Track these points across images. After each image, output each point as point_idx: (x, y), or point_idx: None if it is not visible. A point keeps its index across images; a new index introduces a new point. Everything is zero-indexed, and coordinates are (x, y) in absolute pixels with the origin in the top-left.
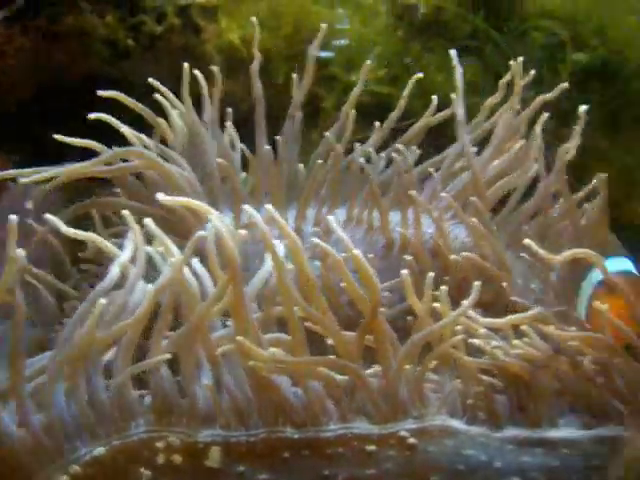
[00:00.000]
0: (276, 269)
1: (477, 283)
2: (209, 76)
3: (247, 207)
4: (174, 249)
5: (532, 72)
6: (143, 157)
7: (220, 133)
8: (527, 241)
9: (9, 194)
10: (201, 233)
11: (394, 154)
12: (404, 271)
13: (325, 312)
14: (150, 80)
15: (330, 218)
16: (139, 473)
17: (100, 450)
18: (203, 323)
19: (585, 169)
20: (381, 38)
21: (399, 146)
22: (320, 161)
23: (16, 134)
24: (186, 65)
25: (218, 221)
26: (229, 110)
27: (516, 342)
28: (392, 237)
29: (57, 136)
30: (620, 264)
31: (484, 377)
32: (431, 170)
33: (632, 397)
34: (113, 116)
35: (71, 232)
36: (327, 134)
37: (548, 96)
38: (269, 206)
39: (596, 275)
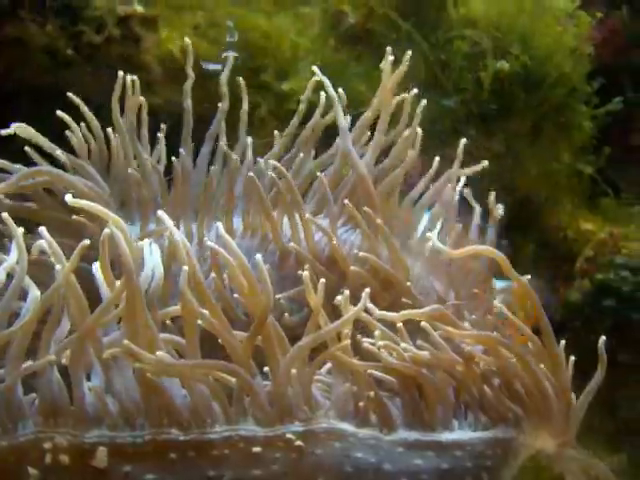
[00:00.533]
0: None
1: (367, 290)
2: (151, 86)
3: (160, 213)
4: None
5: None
6: (50, 175)
7: (139, 144)
8: (429, 234)
9: None
10: (86, 242)
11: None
12: (305, 272)
13: (217, 315)
14: (69, 94)
15: (219, 225)
16: (27, 473)
17: None
18: (94, 326)
19: (506, 177)
20: (314, 47)
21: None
22: (214, 167)
23: None
24: (121, 73)
25: (115, 226)
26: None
27: (405, 345)
28: (286, 247)
29: None
30: None
31: (379, 378)
32: (319, 174)
33: (527, 398)
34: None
35: None
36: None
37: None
38: (161, 212)
39: None
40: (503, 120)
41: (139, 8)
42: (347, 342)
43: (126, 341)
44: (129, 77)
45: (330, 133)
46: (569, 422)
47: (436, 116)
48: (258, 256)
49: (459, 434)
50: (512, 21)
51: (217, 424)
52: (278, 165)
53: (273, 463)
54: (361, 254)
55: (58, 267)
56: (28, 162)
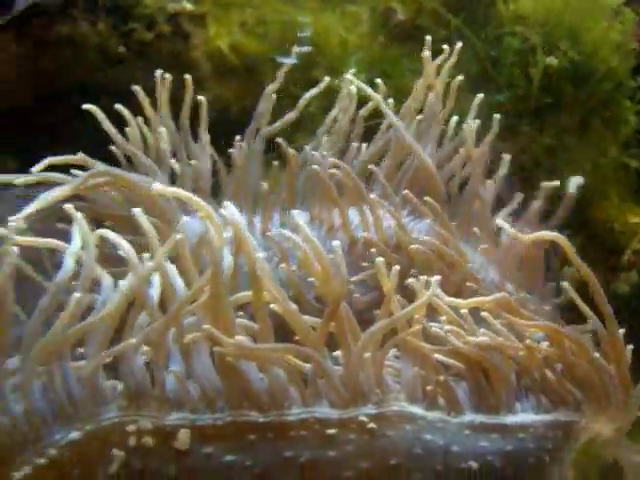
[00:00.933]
0: (249, 260)
1: (437, 277)
2: (200, 82)
3: (228, 203)
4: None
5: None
6: (112, 175)
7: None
8: (500, 221)
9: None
10: (177, 236)
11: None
12: (378, 258)
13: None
14: (134, 87)
15: (295, 212)
16: (112, 455)
17: (75, 434)
18: (178, 313)
19: (557, 171)
20: (363, 44)
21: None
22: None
23: (10, 141)
24: (168, 76)
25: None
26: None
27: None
28: (354, 236)
29: (36, 168)
30: None
31: (446, 362)
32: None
33: (588, 383)
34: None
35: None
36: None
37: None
38: (228, 203)
39: None
40: (553, 115)
41: (188, 5)
42: (418, 327)
43: (207, 326)
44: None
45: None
46: (628, 408)
47: (488, 111)
48: (336, 242)
49: (522, 417)
50: (560, 17)
51: (294, 406)
52: (339, 162)
53: (347, 444)
54: (426, 238)
55: (147, 255)
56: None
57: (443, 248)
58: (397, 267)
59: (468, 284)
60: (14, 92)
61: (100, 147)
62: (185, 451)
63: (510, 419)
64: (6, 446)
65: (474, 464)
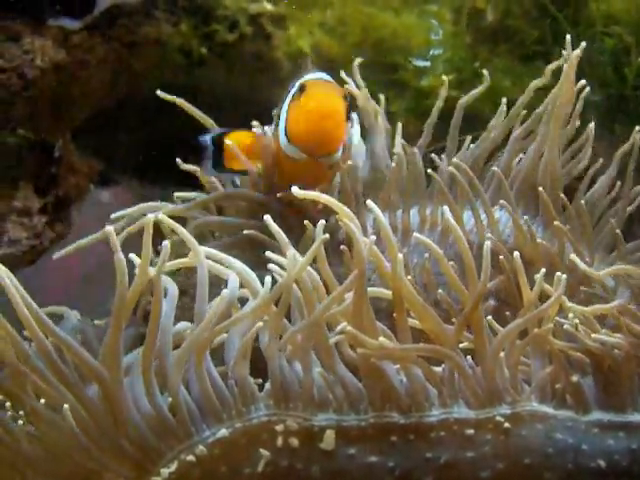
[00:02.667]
0: (393, 262)
1: (564, 276)
2: (281, 83)
3: (370, 203)
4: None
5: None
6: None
7: None
8: (573, 256)
9: None
10: (326, 236)
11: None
12: (516, 253)
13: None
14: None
15: (445, 209)
16: (259, 454)
17: (223, 432)
18: (322, 318)
19: None
20: (448, 44)
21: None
22: (393, 164)
23: (97, 142)
24: None
25: (351, 222)
26: None
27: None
28: (469, 239)
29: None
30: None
31: (572, 359)
32: (495, 169)
33: None
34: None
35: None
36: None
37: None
38: (371, 203)
39: None
40: None
41: (268, 6)
42: (550, 325)
43: (349, 327)
44: None
45: None
46: None
47: (583, 111)
48: (487, 243)
49: None
50: None
51: (434, 407)
52: (461, 164)
53: (484, 445)
54: (541, 241)
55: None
56: None
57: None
58: (543, 270)
59: (583, 288)
60: (102, 94)
61: (185, 147)
62: (330, 452)
63: (635, 417)
64: (154, 442)
65: (602, 463)
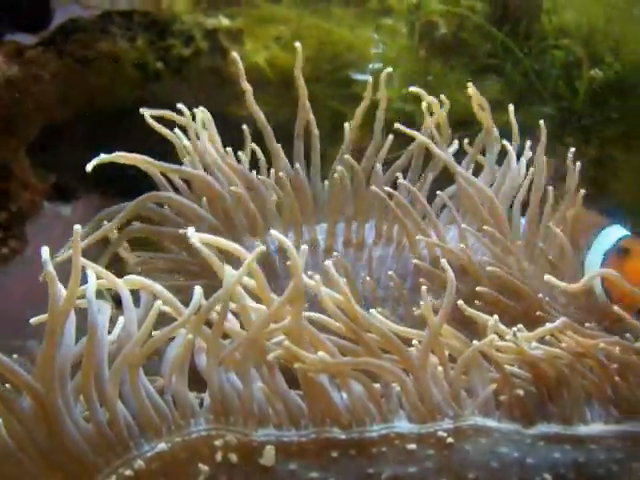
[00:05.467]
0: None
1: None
2: (237, 97)
3: (274, 232)
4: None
5: None
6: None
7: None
8: (547, 277)
9: None
10: (262, 248)
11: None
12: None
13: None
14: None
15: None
16: (198, 469)
17: (162, 446)
18: (262, 332)
19: (602, 182)
20: (403, 57)
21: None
22: (336, 175)
23: (51, 157)
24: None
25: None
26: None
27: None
28: (422, 256)
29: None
30: (618, 231)
31: (515, 372)
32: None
33: None
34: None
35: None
36: (346, 156)
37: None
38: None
39: (601, 242)
40: (598, 127)
41: (225, 21)
42: (493, 337)
43: (287, 342)
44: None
45: None
46: None
47: (533, 123)
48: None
49: (592, 427)
50: (604, 29)
51: (374, 422)
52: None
53: (427, 460)
54: (490, 269)
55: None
56: None
57: (511, 279)
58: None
59: (538, 313)
60: (55, 109)
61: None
62: (270, 467)
63: (582, 429)
64: (92, 457)
65: (548, 477)
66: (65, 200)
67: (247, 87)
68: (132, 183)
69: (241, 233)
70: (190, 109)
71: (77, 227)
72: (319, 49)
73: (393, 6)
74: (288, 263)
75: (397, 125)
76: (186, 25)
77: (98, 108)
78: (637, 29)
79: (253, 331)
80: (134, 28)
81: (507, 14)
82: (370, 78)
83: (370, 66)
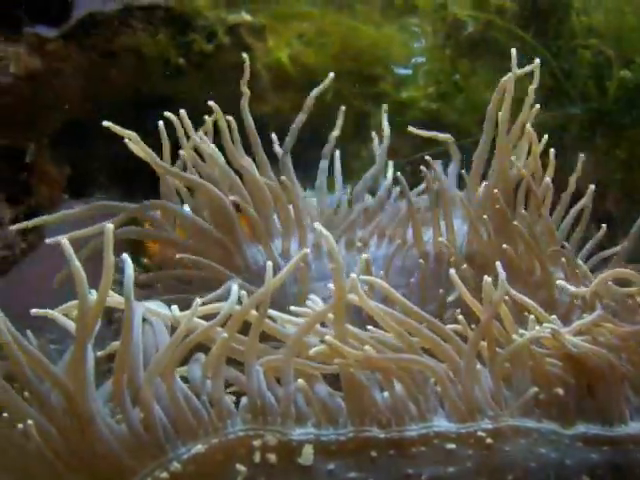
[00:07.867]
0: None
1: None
2: (260, 94)
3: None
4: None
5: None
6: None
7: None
8: (560, 282)
9: None
10: (306, 250)
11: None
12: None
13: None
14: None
15: None
16: (236, 470)
17: (199, 448)
18: (304, 333)
19: (631, 185)
20: (428, 56)
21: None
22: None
23: (71, 151)
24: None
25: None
26: None
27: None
28: (426, 250)
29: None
30: None
31: (554, 372)
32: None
33: None
34: None
35: None
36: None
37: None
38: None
39: None
40: (628, 128)
41: (247, 17)
42: (532, 333)
43: (328, 337)
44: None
45: None
46: None
47: (563, 123)
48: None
49: (632, 428)
50: (634, 29)
51: (414, 422)
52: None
53: (466, 460)
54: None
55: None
56: None
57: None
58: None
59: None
60: (77, 103)
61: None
62: (308, 467)
63: (621, 430)
64: (126, 459)
65: (586, 478)
66: (82, 195)
67: (246, 91)
68: (150, 181)
69: (243, 240)
70: (211, 105)
71: (110, 226)
72: (343, 46)
73: (418, 4)
74: (330, 266)
75: (410, 128)
76: (208, 20)
77: (119, 103)
78: None
79: (297, 333)
80: (155, 23)
81: (536, 13)
82: (411, 72)
83: (412, 60)
